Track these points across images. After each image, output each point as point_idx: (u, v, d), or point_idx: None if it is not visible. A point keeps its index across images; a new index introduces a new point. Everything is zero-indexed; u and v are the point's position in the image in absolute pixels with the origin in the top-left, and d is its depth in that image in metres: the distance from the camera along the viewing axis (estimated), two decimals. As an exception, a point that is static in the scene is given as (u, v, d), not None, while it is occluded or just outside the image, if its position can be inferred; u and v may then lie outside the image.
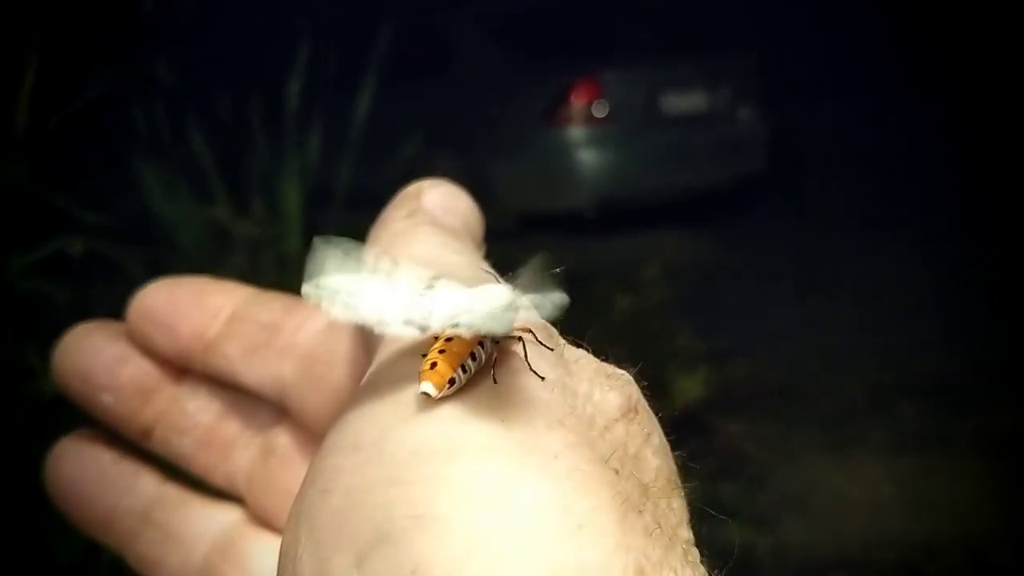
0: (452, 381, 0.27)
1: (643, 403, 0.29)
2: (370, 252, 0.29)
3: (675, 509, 0.28)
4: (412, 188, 0.36)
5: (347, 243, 0.29)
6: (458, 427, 0.26)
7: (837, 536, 2.23)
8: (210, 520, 0.38)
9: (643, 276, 3.49)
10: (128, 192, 2.61)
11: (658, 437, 0.29)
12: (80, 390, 0.38)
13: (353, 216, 3.17)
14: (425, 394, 0.26)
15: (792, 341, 3.20)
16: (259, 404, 0.38)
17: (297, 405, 0.31)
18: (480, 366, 0.28)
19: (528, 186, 4.76)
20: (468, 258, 0.33)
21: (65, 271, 2.14)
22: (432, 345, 0.28)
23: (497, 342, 0.28)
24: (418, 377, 0.27)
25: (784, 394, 2.87)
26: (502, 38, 4.97)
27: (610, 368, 0.30)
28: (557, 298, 0.29)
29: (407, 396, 0.27)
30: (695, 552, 0.28)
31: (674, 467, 0.29)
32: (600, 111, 4.72)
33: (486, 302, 0.28)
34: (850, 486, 2.42)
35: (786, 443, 2.62)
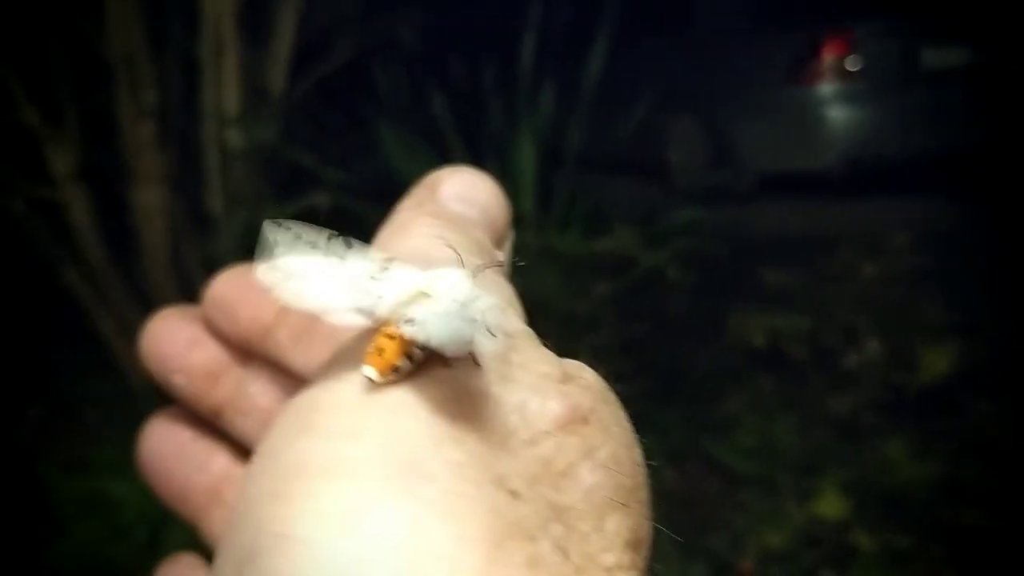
0: (396, 369, 0.26)
1: (600, 413, 0.27)
2: (322, 234, 0.28)
3: (606, 531, 0.25)
4: (431, 177, 0.35)
5: (299, 226, 0.28)
6: (343, 443, 0.25)
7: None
8: None
9: (891, 243, 3.29)
10: (370, 152, 2.75)
11: (608, 451, 0.26)
12: (159, 372, 0.40)
13: (585, 176, 3.20)
14: (368, 378, 0.25)
15: (1048, 316, 2.94)
16: None
17: None
18: (429, 353, 0.26)
19: (771, 146, 4.60)
20: (463, 251, 0.30)
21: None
22: (380, 329, 0.27)
23: None
24: (363, 359, 0.26)
25: (1038, 373, 2.65)
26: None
27: (574, 370, 0.28)
28: (507, 326, 0.26)
29: (320, 402, 0.27)
30: None
31: (629, 483, 0.26)
32: (853, 66, 4.47)
33: (439, 294, 0.26)
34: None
35: (1037, 426, 2.43)
